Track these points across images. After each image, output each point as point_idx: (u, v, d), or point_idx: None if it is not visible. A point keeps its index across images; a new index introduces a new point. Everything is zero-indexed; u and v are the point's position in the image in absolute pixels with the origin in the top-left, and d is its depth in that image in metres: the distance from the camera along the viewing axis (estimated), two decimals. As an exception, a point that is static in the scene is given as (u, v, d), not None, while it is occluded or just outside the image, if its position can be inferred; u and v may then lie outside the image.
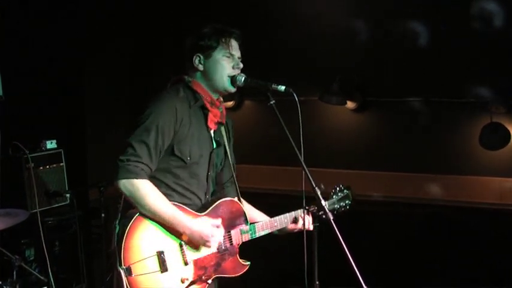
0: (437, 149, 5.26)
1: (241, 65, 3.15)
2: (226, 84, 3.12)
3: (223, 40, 3.10)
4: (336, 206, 3.50)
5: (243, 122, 6.02)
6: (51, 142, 4.97)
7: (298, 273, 3.00)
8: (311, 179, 2.87)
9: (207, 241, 3.01)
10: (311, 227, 3.14)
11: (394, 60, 5.30)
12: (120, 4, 5.76)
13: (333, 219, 2.77)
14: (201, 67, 3.12)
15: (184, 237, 3.03)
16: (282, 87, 2.95)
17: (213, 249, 3.10)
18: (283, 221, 3.33)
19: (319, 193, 2.88)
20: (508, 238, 4.81)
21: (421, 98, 5.25)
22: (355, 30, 5.40)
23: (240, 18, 5.67)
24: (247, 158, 5.78)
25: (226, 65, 3.11)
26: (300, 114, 2.86)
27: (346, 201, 3.54)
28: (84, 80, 5.65)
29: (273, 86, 2.96)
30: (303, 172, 2.88)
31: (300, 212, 3.33)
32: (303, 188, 2.94)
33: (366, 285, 2.64)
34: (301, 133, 2.88)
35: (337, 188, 3.54)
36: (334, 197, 3.51)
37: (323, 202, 2.86)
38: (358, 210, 5.05)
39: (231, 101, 5.96)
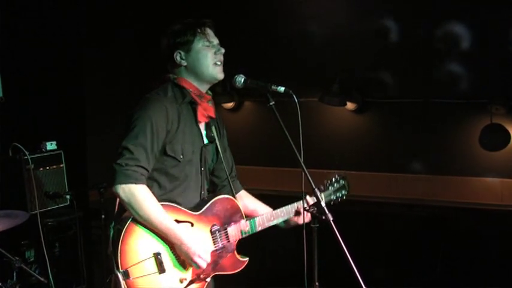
0: (437, 150, 5.26)
1: (223, 50, 3.16)
2: (212, 71, 3.13)
3: (199, 31, 3.13)
4: (332, 197, 3.50)
5: (242, 123, 6.02)
6: (51, 143, 4.96)
7: (297, 273, 2.99)
8: (311, 180, 2.87)
9: (191, 258, 2.97)
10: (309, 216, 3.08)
11: (394, 61, 5.30)
12: (120, 3, 5.75)
13: (332, 220, 2.77)
14: (184, 62, 3.13)
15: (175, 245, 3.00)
16: (282, 88, 2.94)
17: (199, 265, 3.00)
18: (279, 214, 3.31)
19: (319, 194, 2.88)
20: (509, 239, 4.81)
21: (420, 99, 5.25)
22: (355, 31, 5.40)
23: (240, 19, 5.69)
24: (246, 159, 5.78)
25: (208, 53, 3.12)
26: (299, 116, 2.86)
27: (343, 192, 3.54)
28: (84, 81, 5.64)
29: (272, 87, 2.94)
30: (303, 173, 2.88)
31: (297, 204, 3.31)
32: (303, 190, 2.94)
33: (365, 285, 2.64)
34: (300, 134, 2.87)
35: (333, 179, 3.54)
36: (330, 188, 3.51)
37: (323, 203, 2.85)
38: (358, 211, 5.06)
39: (231, 102, 5.96)
